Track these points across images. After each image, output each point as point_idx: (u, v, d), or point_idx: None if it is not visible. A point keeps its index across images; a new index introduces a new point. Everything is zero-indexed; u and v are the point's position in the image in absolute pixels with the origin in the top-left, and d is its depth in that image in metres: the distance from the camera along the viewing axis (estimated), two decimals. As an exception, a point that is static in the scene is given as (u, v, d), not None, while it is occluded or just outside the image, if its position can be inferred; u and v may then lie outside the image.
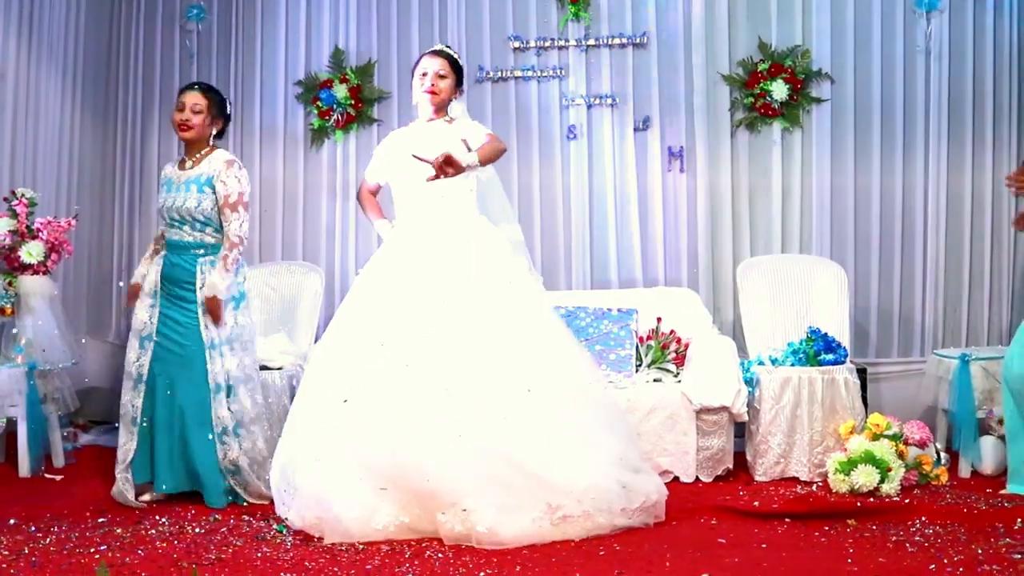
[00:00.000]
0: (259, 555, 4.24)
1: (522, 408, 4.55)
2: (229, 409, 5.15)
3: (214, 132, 5.30)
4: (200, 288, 5.14)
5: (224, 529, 4.65)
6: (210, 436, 5.07)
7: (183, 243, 5.19)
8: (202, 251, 5.20)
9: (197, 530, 4.62)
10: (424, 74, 5.07)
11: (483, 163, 4.85)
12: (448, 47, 5.28)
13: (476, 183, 5.03)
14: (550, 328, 4.94)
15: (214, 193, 5.15)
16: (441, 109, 5.10)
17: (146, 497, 5.13)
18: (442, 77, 5.06)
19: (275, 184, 7.04)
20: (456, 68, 5.12)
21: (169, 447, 5.09)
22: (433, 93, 5.05)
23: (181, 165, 5.29)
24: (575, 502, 4.46)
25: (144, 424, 5.11)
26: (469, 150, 4.80)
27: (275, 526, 4.65)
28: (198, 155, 5.27)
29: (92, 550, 4.26)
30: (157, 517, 4.82)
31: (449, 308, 4.71)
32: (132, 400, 5.13)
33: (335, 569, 4.05)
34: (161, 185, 5.33)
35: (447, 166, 4.71)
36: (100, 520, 4.76)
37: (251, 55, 7.12)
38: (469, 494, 4.35)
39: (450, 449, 4.40)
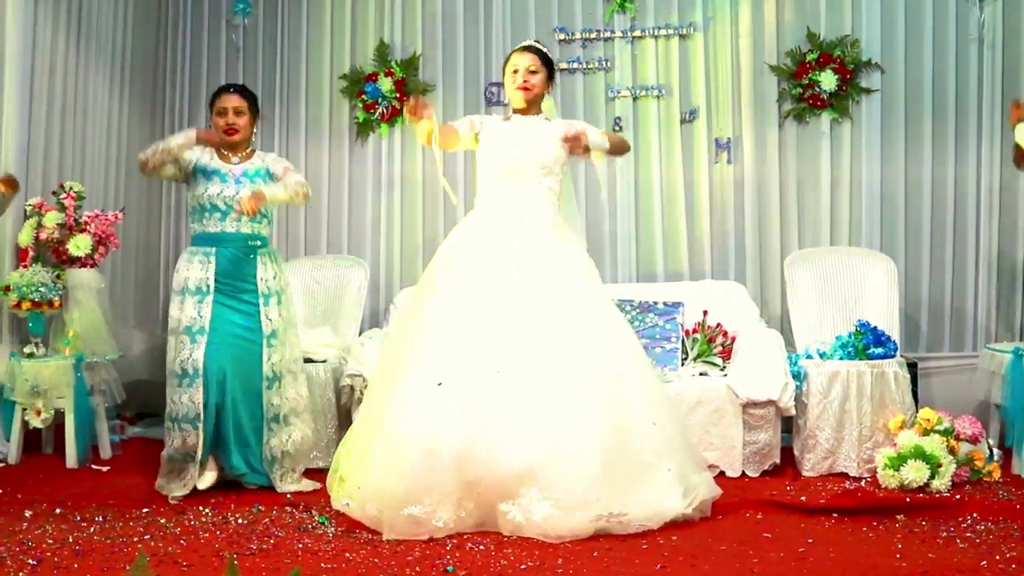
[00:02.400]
0: (300, 546, 4.23)
1: (607, 415, 4.51)
2: (274, 401, 5.19)
3: (254, 132, 5.37)
4: (262, 280, 5.20)
5: (267, 520, 4.65)
6: (260, 424, 5.15)
7: (239, 236, 5.20)
8: (259, 243, 5.25)
9: (240, 521, 4.63)
10: (515, 71, 5.00)
11: (610, 150, 5.06)
12: (537, 42, 5.17)
13: (559, 192, 5.00)
14: (628, 335, 4.92)
15: (271, 178, 5.24)
16: (534, 104, 5.03)
17: (207, 482, 5.14)
18: (533, 72, 4.98)
19: (320, 178, 7.05)
20: (547, 62, 5.05)
21: (234, 434, 5.15)
22: (526, 89, 4.97)
23: (223, 159, 5.28)
24: (637, 513, 4.42)
25: (208, 417, 5.10)
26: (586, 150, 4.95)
27: (317, 517, 4.64)
28: (243, 153, 5.32)
29: (135, 539, 4.28)
30: (201, 508, 4.83)
31: (539, 309, 4.68)
32: (191, 397, 5.10)
33: (375, 560, 4.03)
34: (198, 173, 5.23)
35: (575, 141, 4.88)
36: (144, 511, 4.77)
37: (296, 49, 7.14)
38: (537, 485, 4.33)
39: (529, 436, 4.39)
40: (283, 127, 7.09)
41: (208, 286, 5.18)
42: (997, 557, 4.09)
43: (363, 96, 6.98)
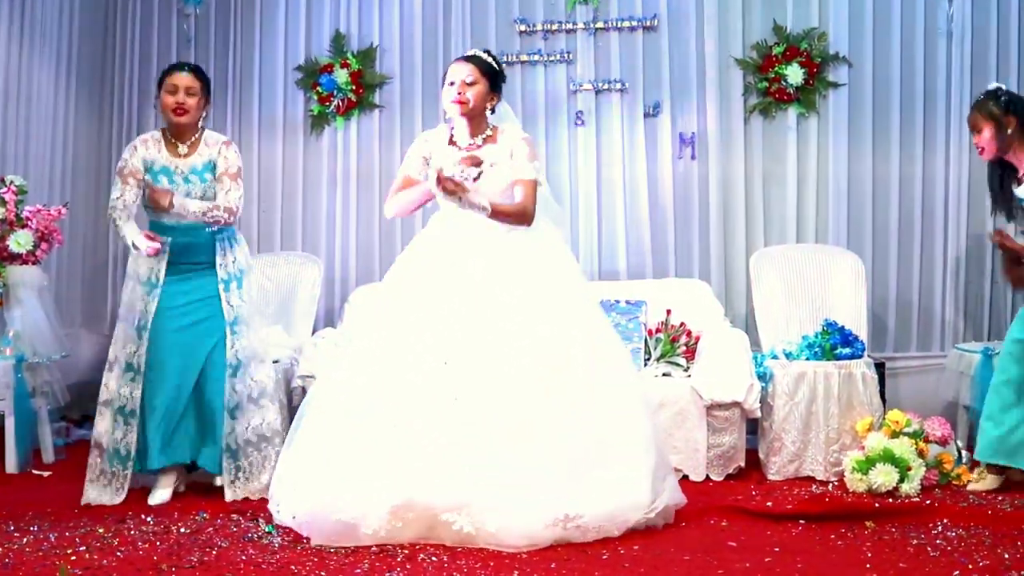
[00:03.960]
0: (244, 557, 4.03)
1: (569, 424, 4.35)
2: (236, 388, 5.00)
3: (204, 115, 5.13)
4: (221, 265, 5.02)
5: (210, 529, 4.44)
6: (224, 410, 4.96)
7: (195, 224, 4.99)
8: (216, 229, 5.06)
9: (183, 530, 4.41)
10: (451, 83, 4.65)
11: (492, 215, 4.54)
12: (483, 52, 4.75)
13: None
14: (603, 337, 4.70)
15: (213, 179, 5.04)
16: (475, 119, 4.67)
17: (161, 498, 4.92)
18: (470, 84, 4.60)
19: (274, 172, 6.87)
20: (488, 72, 4.66)
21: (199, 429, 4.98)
22: (461, 103, 4.61)
23: (171, 150, 5.06)
24: (597, 517, 4.26)
25: (150, 411, 4.91)
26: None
27: (264, 526, 4.44)
28: (192, 140, 5.07)
29: (70, 551, 4.05)
30: (143, 516, 4.62)
31: (496, 315, 4.46)
32: (132, 392, 4.90)
33: (322, 573, 3.84)
34: (145, 170, 4.99)
35: (450, 187, 4.48)
36: (82, 520, 4.56)
37: (250, 39, 6.95)
38: (484, 495, 4.17)
39: (476, 456, 4.22)
40: (235, 120, 6.89)
41: (159, 277, 4.97)
42: (970, 566, 3.96)
43: (318, 88, 6.80)
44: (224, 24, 6.95)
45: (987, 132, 5.07)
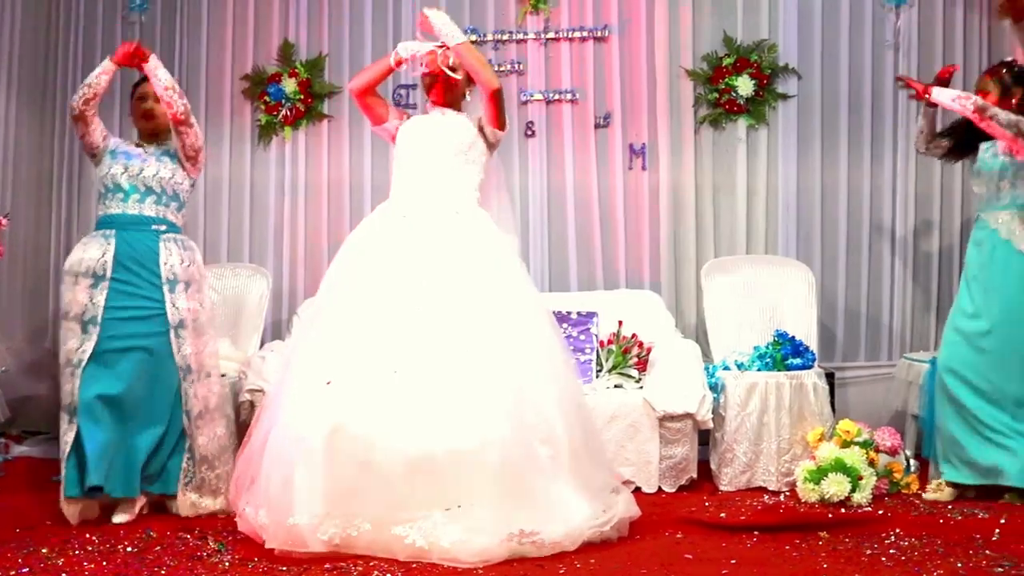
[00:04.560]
0: (193, 576, 3.97)
1: (516, 429, 4.28)
2: (190, 392, 4.90)
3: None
4: (165, 265, 4.90)
5: (158, 548, 4.33)
6: (178, 421, 4.87)
7: (141, 218, 4.91)
8: (164, 227, 4.96)
9: (129, 549, 4.31)
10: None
11: (458, 52, 4.73)
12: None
13: (480, 182, 4.78)
14: (551, 343, 4.67)
15: (180, 166, 5.01)
16: (453, 106, 4.87)
17: (122, 519, 4.78)
18: (454, 70, 4.82)
19: (221, 183, 6.77)
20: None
21: (121, 445, 4.77)
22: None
23: (140, 147, 5.05)
24: (552, 533, 4.21)
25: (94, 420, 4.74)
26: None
27: (213, 544, 4.35)
28: (159, 143, 5.07)
29: (12, 573, 3.95)
30: (88, 535, 4.50)
31: (444, 311, 4.43)
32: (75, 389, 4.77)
33: (274, 591, 3.79)
34: (105, 154, 4.98)
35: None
36: (25, 539, 4.42)
37: (196, 48, 6.86)
38: (439, 508, 4.11)
39: (431, 459, 4.15)
40: None
41: (105, 271, 4.84)
42: (924, 576, 3.98)
43: (266, 98, 6.73)
44: (170, 32, 6.85)
45: (992, 97, 5.19)
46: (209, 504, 4.91)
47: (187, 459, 4.90)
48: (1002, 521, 4.72)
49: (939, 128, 5.63)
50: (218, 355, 5.16)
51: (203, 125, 6.70)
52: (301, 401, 4.32)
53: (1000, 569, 4.04)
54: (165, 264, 4.92)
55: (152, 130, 5.06)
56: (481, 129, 4.78)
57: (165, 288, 4.90)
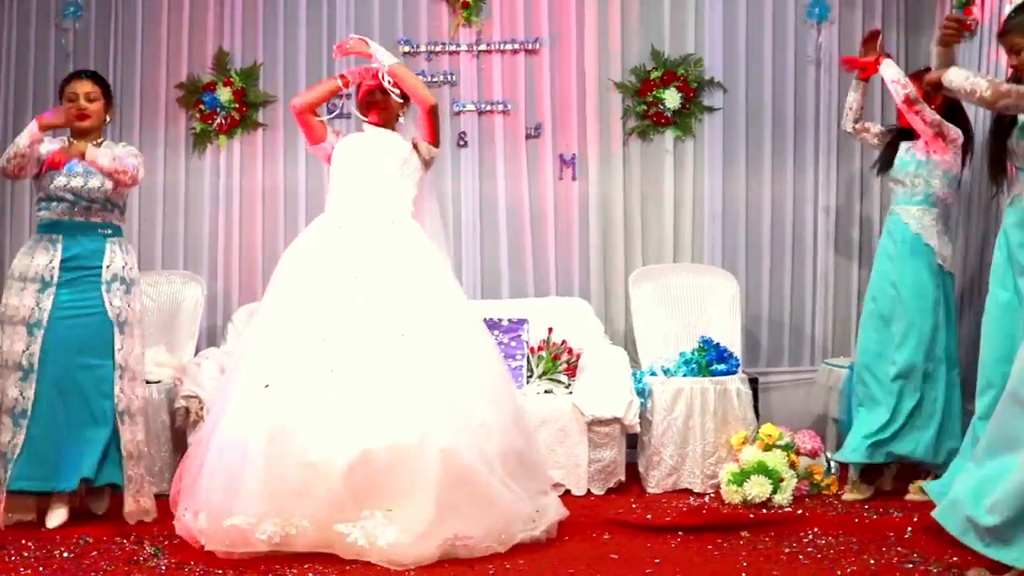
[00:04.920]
0: (129, 581, 4.03)
1: (452, 432, 4.40)
2: (123, 391, 4.99)
3: (107, 120, 5.22)
4: (107, 267, 5.00)
5: (95, 553, 4.40)
6: (113, 415, 4.94)
7: (88, 223, 5.02)
8: (109, 231, 5.07)
9: (65, 554, 4.36)
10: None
11: (395, 73, 4.89)
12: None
13: (414, 198, 4.93)
14: (485, 349, 4.83)
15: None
16: (388, 125, 5.03)
17: (57, 520, 4.84)
18: (385, 94, 4.98)
19: (155, 190, 6.76)
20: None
21: (74, 438, 4.88)
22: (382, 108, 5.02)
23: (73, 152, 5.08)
24: (485, 535, 4.35)
25: (35, 419, 4.84)
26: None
27: (149, 548, 4.42)
28: (95, 143, 5.11)
29: (-53, 580, 4.01)
30: (24, 540, 4.54)
31: (381, 314, 4.56)
32: (23, 391, 4.85)
33: (211, 593, 3.87)
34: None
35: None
36: (-40, 547, 4.47)
37: (131, 56, 6.84)
38: (380, 508, 4.23)
39: (369, 458, 4.27)
40: (116, 136, 6.73)
41: (52, 276, 4.94)
42: (838, 572, 4.16)
43: (201, 106, 6.75)
44: (104, 39, 6.84)
45: None
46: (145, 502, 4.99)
47: (127, 454, 4.98)
48: (915, 519, 4.91)
49: (878, 129, 5.81)
50: (144, 360, 5.23)
51: (137, 132, 6.79)
52: (240, 405, 4.40)
53: (910, 565, 4.24)
54: (107, 267, 5.02)
55: (85, 130, 5.11)
56: (416, 146, 4.93)
57: (103, 287, 4.99)
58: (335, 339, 4.50)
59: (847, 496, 5.41)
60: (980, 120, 5.59)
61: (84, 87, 5.11)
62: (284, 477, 4.24)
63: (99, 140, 5.15)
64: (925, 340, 5.35)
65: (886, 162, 5.66)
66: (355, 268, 4.66)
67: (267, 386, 4.39)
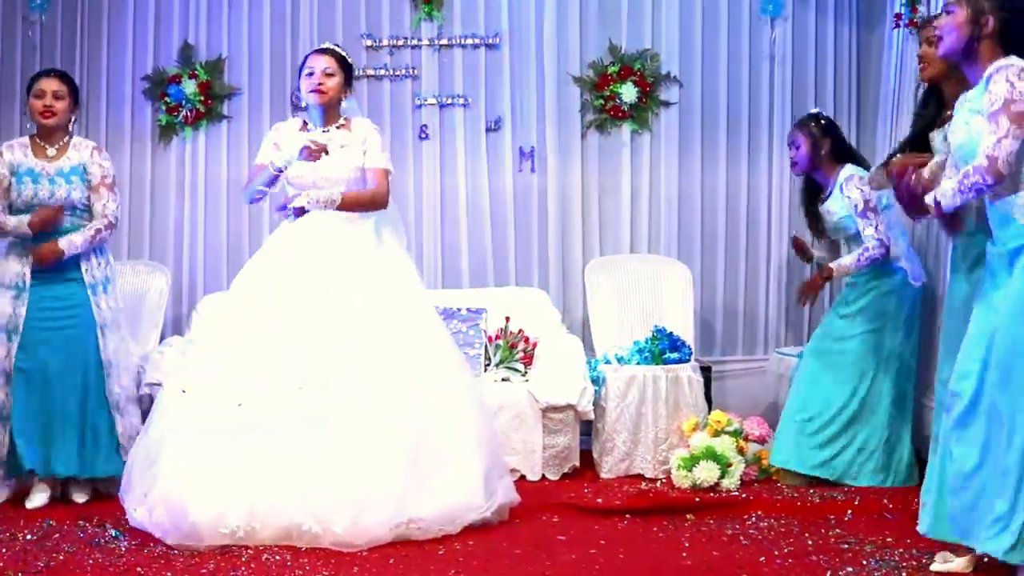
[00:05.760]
0: (91, 562, 4.15)
1: (405, 430, 4.57)
2: (114, 388, 5.18)
3: (72, 119, 5.31)
4: (87, 270, 5.16)
5: (57, 535, 4.53)
6: (107, 412, 5.14)
7: (60, 230, 5.12)
8: None
9: (29, 537, 4.50)
10: (310, 73, 4.94)
11: (343, 206, 4.83)
12: (337, 45, 5.19)
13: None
14: (437, 342, 4.95)
15: (86, 180, 5.18)
16: (331, 108, 4.99)
17: (38, 502, 5.01)
18: (329, 75, 4.93)
19: (121, 181, 6.71)
20: (344, 66, 5.02)
21: (62, 431, 5.06)
22: (320, 92, 4.91)
23: (38, 153, 5.20)
24: (437, 518, 4.51)
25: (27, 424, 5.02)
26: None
27: (111, 531, 4.55)
28: (60, 144, 5.23)
29: (-86, 561, 4.13)
30: (-12, 524, 4.68)
31: (339, 323, 4.69)
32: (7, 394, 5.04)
33: (168, 574, 3.99)
34: (12, 175, 5.16)
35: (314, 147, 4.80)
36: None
37: (97, 48, 6.91)
38: (335, 495, 4.38)
39: (329, 445, 4.44)
40: (82, 128, 6.76)
41: (24, 282, 5.08)
42: (776, 552, 4.33)
43: (166, 98, 6.84)
44: (71, 32, 6.91)
45: (804, 148, 5.67)
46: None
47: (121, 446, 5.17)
48: (856, 502, 5.10)
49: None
50: (130, 352, 5.43)
51: (104, 125, 6.87)
52: (199, 401, 4.53)
53: (845, 545, 4.42)
54: (87, 271, 5.19)
55: (51, 128, 5.22)
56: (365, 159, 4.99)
57: (88, 292, 5.17)
58: (299, 337, 4.64)
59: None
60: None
61: (52, 85, 5.21)
62: (243, 472, 4.38)
63: (64, 139, 5.25)
64: None
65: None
66: (317, 271, 4.78)
67: (240, 405, 4.51)
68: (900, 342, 5.57)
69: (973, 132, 3.80)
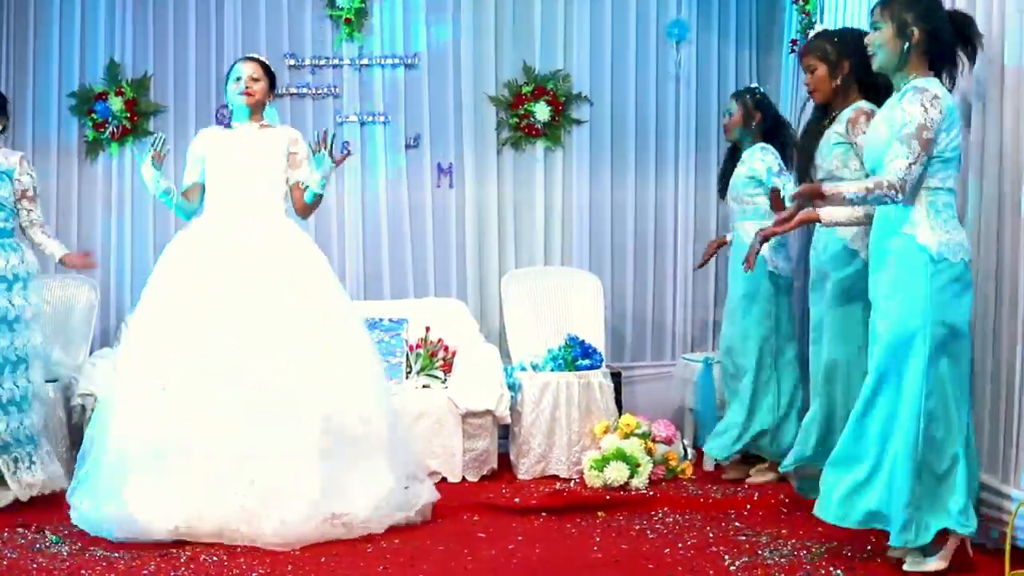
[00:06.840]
0: (35, 566, 4.34)
1: (321, 432, 4.81)
2: (6, 385, 5.29)
3: (1, 130, 5.53)
4: (4, 268, 5.34)
5: (-2, 542, 4.71)
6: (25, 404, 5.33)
7: None
8: None
9: (-32, 544, 4.67)
10: (238, 78, 5.26)
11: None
12: (259, 56, 5.52)
13: (285, 193, 5.34)
14: (354, 344, 5.18)
15: (11, 184, 5.43)
16: (257, 111, 5.32)
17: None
18: (255, 80, 5.26)
19: (48, 197, 6.90)
20: (268, 73, 5.36)
21: None
22: (248, 94, 5.24)
23: None
24: (360, 513, 4.77)
25: None
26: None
27: (50, 537, 4.73)
28: None
29: None
30: (-73, 532, 4.83)
31: (256, 317, 4.93)
32: None
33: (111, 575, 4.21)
34: None
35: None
36: None
37: (23, 64, 6.99)
38: (263, 496, 4.63)
39: (255, 446, 4.68)
40: (8, 143, 6.83)
41: None
42: (680, 545, 4.68)
43: (93, 115, 6.95)
44: (-4, 46, 7.03)
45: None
46: (27, 479, 5.31)
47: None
48: (755, 497, 5.46)
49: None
50: (40, 351, 5.57)
51: (30, 140, 6.96)
52: (136, 404, 4.74)
53: (743, 537, 4.78)
54: (5, 268, 5.36)
55: None
56: (291, 154, 5.35)
57: (3, 287, 5.34)
58: (223, 336, 4.87)
59: (751, 480, 5.88)
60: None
61: None
62: (180, 470, 4.62)
63: None
64: None
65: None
66: (237, 268, 5.02)
67: (163, 388, 4.73)
68: None
69: (882, 136, 4.20)
